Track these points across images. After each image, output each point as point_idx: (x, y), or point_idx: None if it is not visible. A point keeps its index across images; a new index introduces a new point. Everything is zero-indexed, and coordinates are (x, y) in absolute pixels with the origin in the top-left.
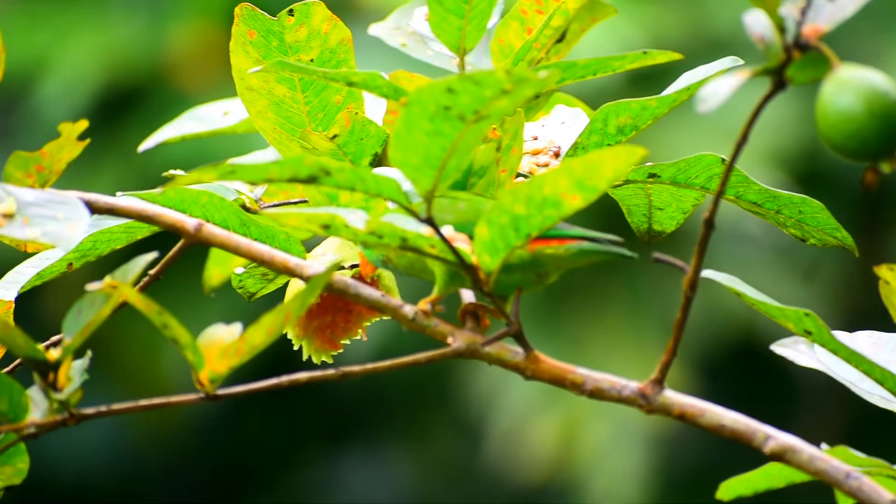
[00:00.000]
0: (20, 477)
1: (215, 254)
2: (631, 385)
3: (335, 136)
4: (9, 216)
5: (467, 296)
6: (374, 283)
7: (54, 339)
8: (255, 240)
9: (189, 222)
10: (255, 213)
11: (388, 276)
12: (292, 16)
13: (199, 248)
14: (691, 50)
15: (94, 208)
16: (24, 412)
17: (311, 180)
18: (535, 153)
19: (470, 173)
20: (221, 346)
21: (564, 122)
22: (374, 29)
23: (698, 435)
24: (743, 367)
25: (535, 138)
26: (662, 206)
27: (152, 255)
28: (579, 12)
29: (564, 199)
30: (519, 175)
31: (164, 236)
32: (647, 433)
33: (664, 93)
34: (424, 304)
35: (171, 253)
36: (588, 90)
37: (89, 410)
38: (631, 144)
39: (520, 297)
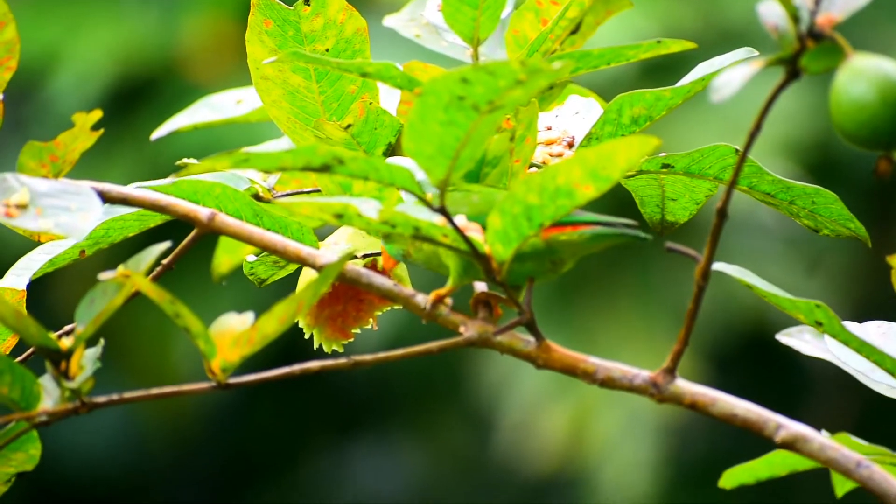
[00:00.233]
0: (32, 464)
1: (224, 242)
2: (642, 374)
3: (349, 126)
4: (22, 207)
5: (479, 285)
6: (387, 272)
7: (67, 328)
8: (268, 229)
9: (202, 212)
10: (267, 202)
11: (400, 266)
12: (308, 5)
13: (211, 237)
14: (704, 41)
15: (107, 198)
16: (36, 400)
17: (324, 169)
18: (549, 143)
19: (483, 163)
20: (233, 335)
21: (578, 112)
22: (389, 20)
23: (709, 425)
24: (753, 356)
25: (549, 128)
26: (675, 196)
27: (165, 245)
28: (594, 4)
29: (578, 188)
30: (532, 165)
31: (177, 225)
32: (657, 423)
33: (679, 83)
34: (438, 294)
35: (184, 242)
36: (601, 81)
37: (101, 399)
38: (644, 135)
39: (532, 287)
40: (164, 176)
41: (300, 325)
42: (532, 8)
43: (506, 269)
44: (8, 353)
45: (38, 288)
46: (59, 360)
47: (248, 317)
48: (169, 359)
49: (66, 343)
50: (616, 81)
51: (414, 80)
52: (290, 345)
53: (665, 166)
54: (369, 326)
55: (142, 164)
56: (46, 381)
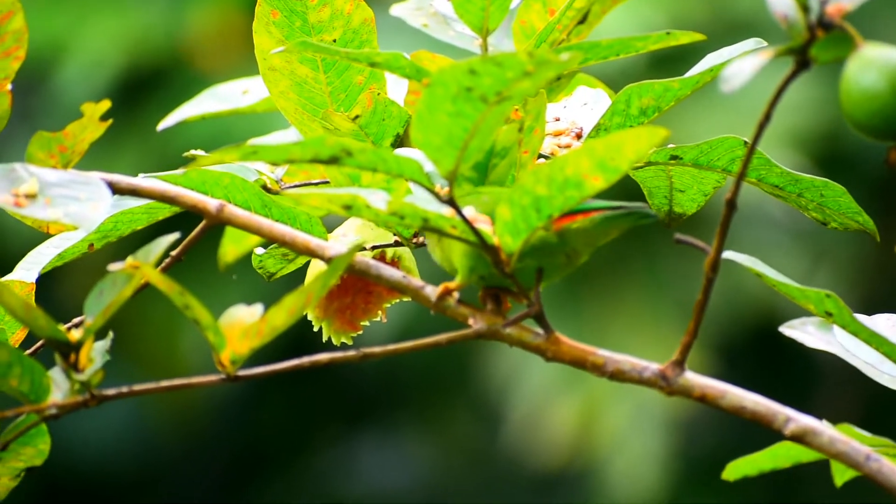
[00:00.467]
0: (41, 458)
1: (231, 231)
2: (652, 367)
3: (357, 117)
4: (31, 197)
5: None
6: (395, 263)
7: (76, 320)
8: (277, 221)
9: (211, 203)
10: (276, 193)
11: (408, 258)
12: None
13: (220, 229)
14: (713, 32)
15: (116, 189)
16: (45, 393)
17: (332, 161)
18: (557, 134)
19: (492, 154)
20: (243, 326)
21: (586, 103)
22: (396, 9)
23: (717, 418)
24: (762, 349)
25: (557, 119)
26: (683, 188)
27: (174, 236)
28: None
29: (586, 179)
30: (541, 156)
31: (185, 218)
32: (666, 416)
33: (687, 74)
34: (446, 287)
35: (192, 234)
36: (610, 71)
37: (110, 391)
38: (653, 125)
39: (541, 279)
40: (173, 167)
41: (309, 318)
42: None
43: (514, 260)
44: (17, 345)
45: (47, 280)
46: (68, 352)
47: (258, 308)
48: (178, 351)
49: (75, 335)
50: (625, 72)
51: (422, 70)
52: (299, 338)
53: (673, 158)
54: (378, 319)
55: (150, 154)
56: (56, 374)
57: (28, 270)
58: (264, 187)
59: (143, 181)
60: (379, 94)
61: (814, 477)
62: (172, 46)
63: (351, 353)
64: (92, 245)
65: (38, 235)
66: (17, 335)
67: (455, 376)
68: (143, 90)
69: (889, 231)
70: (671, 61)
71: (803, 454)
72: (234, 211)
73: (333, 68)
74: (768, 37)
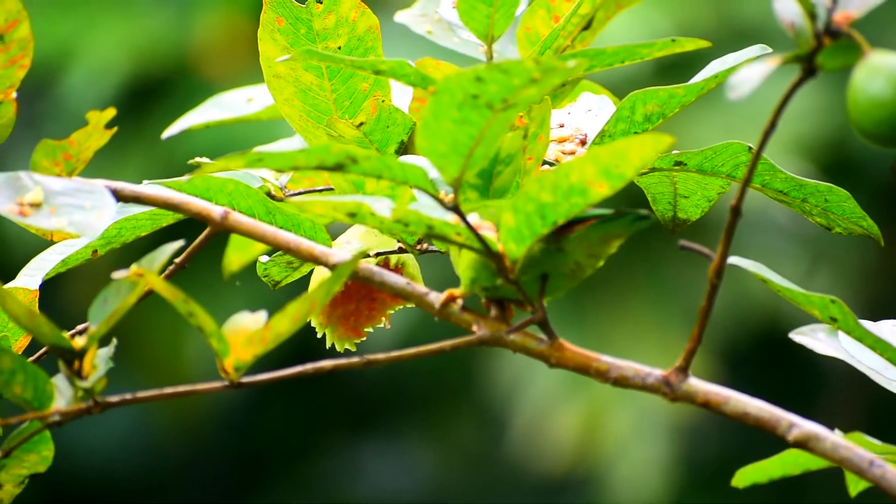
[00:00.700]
0: (45, 465)
1: (235, 240)
2: (655, 373)
3: (361, 124)
4: (36, 206)
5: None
6: (399, 270)
7: (80, 327)
8: (281, 228)
9: (215, 210)
10: (280, 200)
11: (412, 265)
12: (321, 3)
13: (224, 236)
14: (719, 39)
15: (120, 196)
16: (49, 400)
17: (337, 168)
18: (562, 141)
19: (497, 161)
20: (246, 333)
21: (591, 109)
22: (400, 16)
23: (721, 424)
24: (766, 355)
25: (562, 126)
26: (688, 193)
27: (179, 244)
28: (605, 0)
29: (591, 186)
30: (545, 163)
31: (189, 224)
32: (669, 422)
33: (692, 81)
34: (451, 293)
35: (197, 241)
36: (616, 79)
37: (114, 398)
38: (658, 132)
39: (545, 285)
40: (178, 174)
41: (313, 325)
42: (544, 5)
43: (518, 267)
44: (20, 352)
45: (51, 287)
46: (72, 359)
47: (261, 316)
48: (181, 358)
49: (79, 342)
50: (630, 80)
51: (427, 77)
52: (303, 344)
53: (678, 164)
54: (382, 325)
55: (155, 162)
56: (59, 381)
57: (31, 277)
58: (268, 194)
59: (147, 188)
60: (383, 101)
61: (818, 482)
62: (179, 54)
63: (355, 359)
64: (96, 251)
65: (41, 243)
66: (20, 342)
67: (459, 382)
68: (150, 97)
69: (894, 238)
70: (677, 68)
71: (812, 461)
72: (238, 218)
73: (338, 75)
74: (775, 44)
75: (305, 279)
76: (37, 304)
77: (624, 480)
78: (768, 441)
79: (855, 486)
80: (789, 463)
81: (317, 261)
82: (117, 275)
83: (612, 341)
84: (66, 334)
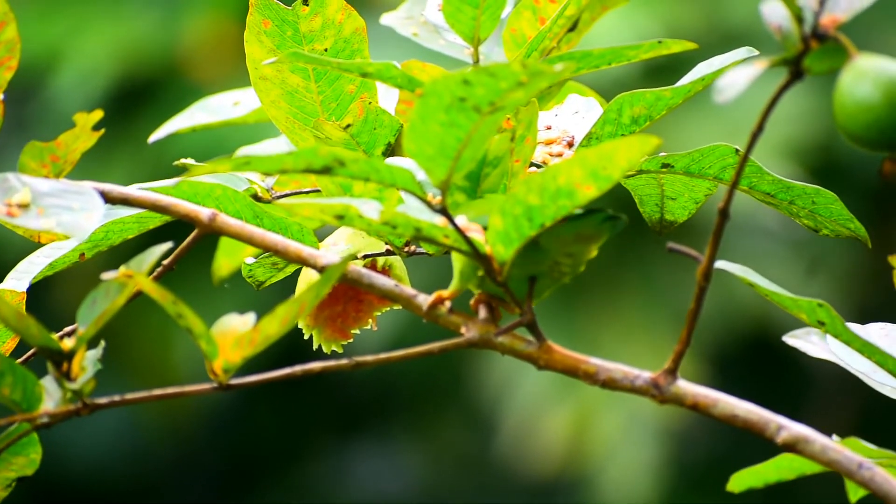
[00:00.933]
0: (32, 468)
1: (224, 245)
2: (644, 375)
3: (348, 126)
4: (24, 206)
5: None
6: (387, 272)
7: (68, 329)
8: (269, 230)
9: (203, 212)
10: (267, 202)
11: (399, 267)
12: (307, 5)
13: (212, 238)
14: (707, 41)
15: (108, 198)
16: (37, 402)
17: (325, 171)
18: (549, 143)
19: (484, 163)
20: (235, 335)
21: (578, 111)
22: (386, 18)
23: (710, 427)
24: (755, 358)
25: (549, 128)
26: (675, 195)
27: (167, 245)
28: (591, 1)
29: (579, 188)
30: (532, 165)
31: (175, 227)
32: (659, 425)
33: (679, 83)
34: (440, 295)
35: (185, 243)
36: (604, 81)
37: (102, 400)
38: (645, 134)
39: (533, 287)
40: (166, 176)
41: (300, 326)
42: (529, 6)
43: (507, 269)
44: (8, 354)
45: (39, 289)
46: (60, 361)
47: (250, 318)
48: (170, 361)
49: (67, 344)
50: (619, 82)
51: (414, 79)
52: (292, 347)
53: (665, 166)
54: (369, 327)
55: (143, 164)
56: (48, 383)
57: (18, 280)
58: (255, 196)
59: (136, 191)
60: (370, 103)
61: (810, 484)
62: (166, 56)
63: (343, 361)
64: (83, 255)
65: (29, 246)
66: (8, 344)
67: (449, 385)
68: (137, 100)
69: (883, 241)
70: (666, 71)
71: (808, 466)
72: (226, 220)
73: (325, 77)
74: (763, 46)
75: (290, 279)
76: (24, 306)
77: (614, 482)
78: (758, 444)
79: (855, 492)
80: (784, 467)
81: (305, 263)
82: (106, 276)
83: (602, 343)
84: (55, 336)
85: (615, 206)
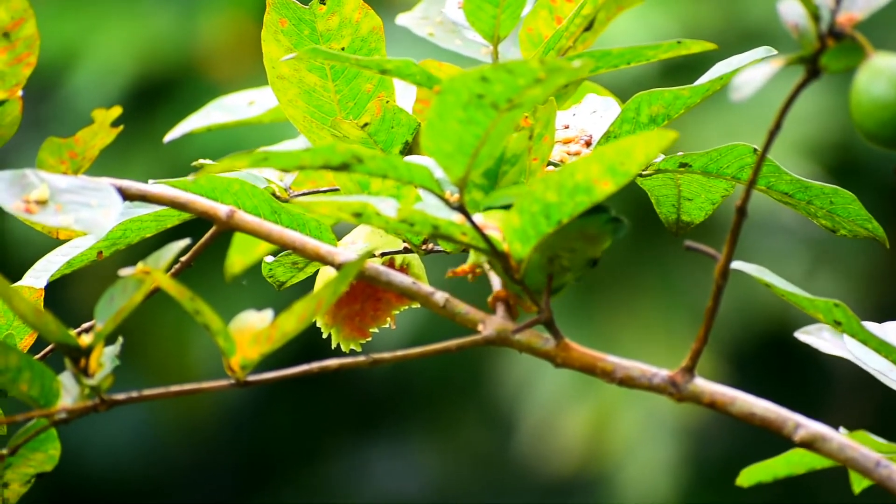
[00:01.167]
0: (52, 464)
1: (237, 242)
2: (661, 373)
3: (366, 125)
4: (42, 203)
5: (497, 283)
6: (405, 270)
7: (86, 325)
8: (287, 227)
9: (221, 209)
10: (285, 201)
11: (417, 265)
12: (324, 4)
13: (230, 235)
14: (725, 41)
15: (126, 195)
16: (55, 398)
17: (343, 168)
18: (567, 142)
19: (502, 161)
20: (253, 332)
21: (595, 111)
22: (402, 19)
23: (728, 425)
24: (773, 356)
25: (567, 127)
26: (692, 196)
27: (185, 242)
28: (607, 0)
29: (596, 184)
30: (550, 163)
31: (193, 226)
32: (677, 424)
33: (697, 82)
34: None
35: (202, 240)
36: (623, 81)
37: (120, 396)
38: (661, 129)
39: (550, 285)
40: (183, 175)
41: (318, 325)
42: (546, 5)
43: (524, 267)
44: (26, 350)
45: (56, 288)
46: (78, 357)
47: (268, 314)
48: (188, 360)
49: (85, 340)
50: (637, 81)
51: (433, 77)
52: (309, 345)
53: (682, 165)
54: (387, 325)
55: (160, 163)
56: (66, 379)
57: (37, 278)
58: (273, 195)
59: (154, 187)
60: (388, 101)
61: (826, 481)
62: (184, 55)
63: (361, 358)
64: (101, 253)
65: (47, 244)
66: (25, 340)
67: (467, 383)
68: (155, 99)
69: None
70: (684, 70)
71: (817, 461)
72: (244, 217)
73: (342, 76)
74: (781, 45)
75: (310, 280)
76: (42, 303)
77: (632, 481)
78: (776, 442)
79: (859, 483)
80: (794, 462)
81: (323, 260)
82: (124, 272)
83: (620, 342)
84: (73, 332)
85: (632, 206)
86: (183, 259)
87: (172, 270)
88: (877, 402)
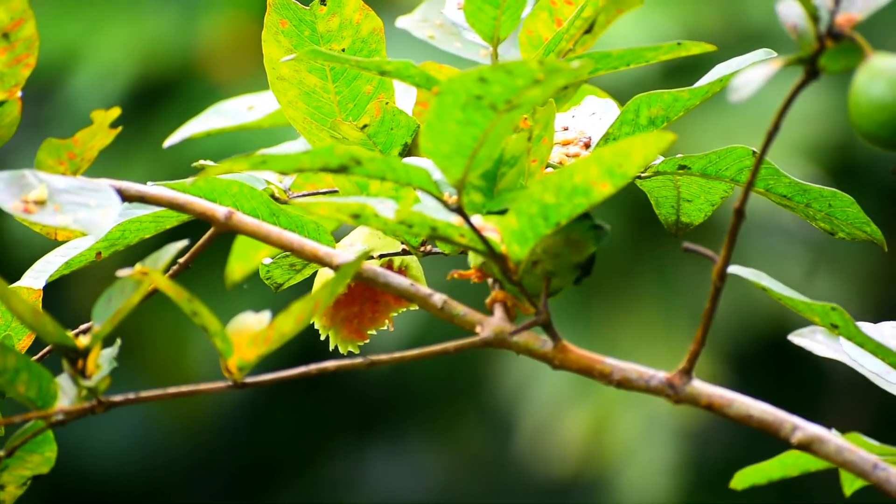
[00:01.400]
0: (48, 466)
1: (238, 249)
2: (659, 375)
3: (365, 126)
4: (41, 203)
5: (495, 285)
6: (403, 272)
7: (84, 326)
8: (285, 229)
9: (219, 210)
10: (284, 203)
11: (415, 266)
12: (325, 5)
13: (228, 237)
14: (725, 42)
15: (125, 196)
16: (52, 399)
17: (341, 170)
18: (566, 144)
19: (500, 163)
20: (251, 333)
21: (595, 113)
22: (402, 21)
23: (727, 428)
24: (771, 358)
25: (566, 129)
26: (691, 197)
27: (183, 243)
28: (607, 3)
29: (595, 186)
30: (549, 165)
31: (191, 227)
32: (676, 425)
33: (697, 84)
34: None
35: (201, 241)
36: (623, 82)
37: (117, 398)
38: (660, 131)
39: (548, 287)
40: (183, 177)
41: (316, 327)
42: (546, 7)
43: (522, 268)
44: (24, 351)
45: (55, 289)
46: (75, 358)
47: (266, 315)
48: (186, 362)
49: (82, 341)
50: (638, 83)
51: (432, 78)
52: (308, 347)
53: (682, 167)
54: (385, 327)
55: (160, 165)
56: (63, 380)
57: (35, 279)
58: (273, 197)
59: (152, 188)
60: (387, 103)
61: (824, 484)
62: (184, 57)
63: (359, 360)
64: (100, 253)
65: (46, 244)
66: (23, 341)
67: (465, 385)
68: (155, 100)
69: None
70: (685, 72)
71: (812, 463)
72: (242, 218)
73: (342, 78)
74: (781, 47)
75: (308, 281)
76: (40, 304)
77: (631, 483)
78: (774, 444)
79: (850, 485)
80: (789, 464)
81: (321, 262)
82: (122, 273)
83: (618, 344)
84: (70, 333)
85: (631, 207)
86: (181, 260)
87: (171, 272)
88: (874, 405)
